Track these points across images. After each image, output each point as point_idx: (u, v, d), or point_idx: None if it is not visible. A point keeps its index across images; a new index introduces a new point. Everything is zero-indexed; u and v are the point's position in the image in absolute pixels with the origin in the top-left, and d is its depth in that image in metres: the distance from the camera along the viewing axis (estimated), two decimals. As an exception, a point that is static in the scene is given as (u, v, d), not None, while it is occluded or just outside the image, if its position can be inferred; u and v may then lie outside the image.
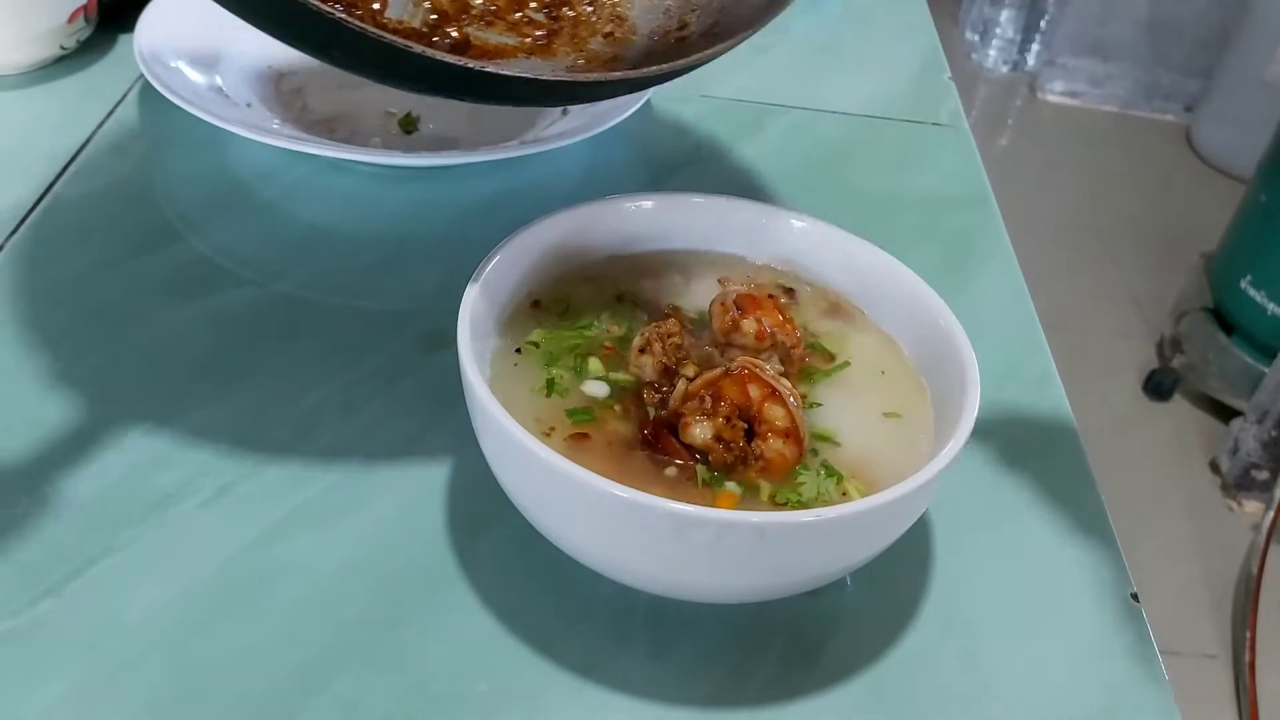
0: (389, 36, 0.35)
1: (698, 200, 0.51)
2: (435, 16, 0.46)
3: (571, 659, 0.41)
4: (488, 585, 0.43)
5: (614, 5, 0.49)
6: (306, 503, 0.45)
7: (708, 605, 0.43)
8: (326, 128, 0.67)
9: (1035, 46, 2.65)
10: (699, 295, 0.49)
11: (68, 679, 0.39)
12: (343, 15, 0.34)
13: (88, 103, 0.68)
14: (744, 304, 0.45)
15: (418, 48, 0.36)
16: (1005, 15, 2.64)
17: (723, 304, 0.46)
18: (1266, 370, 1.63)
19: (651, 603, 0.43)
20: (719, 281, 0.48)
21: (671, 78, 0.43)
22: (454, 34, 0.46)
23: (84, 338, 0.52)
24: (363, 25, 0.34)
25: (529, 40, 0.47)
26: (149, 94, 0.68)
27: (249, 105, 0.66)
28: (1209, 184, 2.36)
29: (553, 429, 0.41)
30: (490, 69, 0.38)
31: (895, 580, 0.45)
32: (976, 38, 2.71)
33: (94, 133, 0.65)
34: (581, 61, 0.47)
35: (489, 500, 0.44)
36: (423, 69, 0.37)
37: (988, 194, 0.70)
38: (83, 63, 0.71)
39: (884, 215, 0.66)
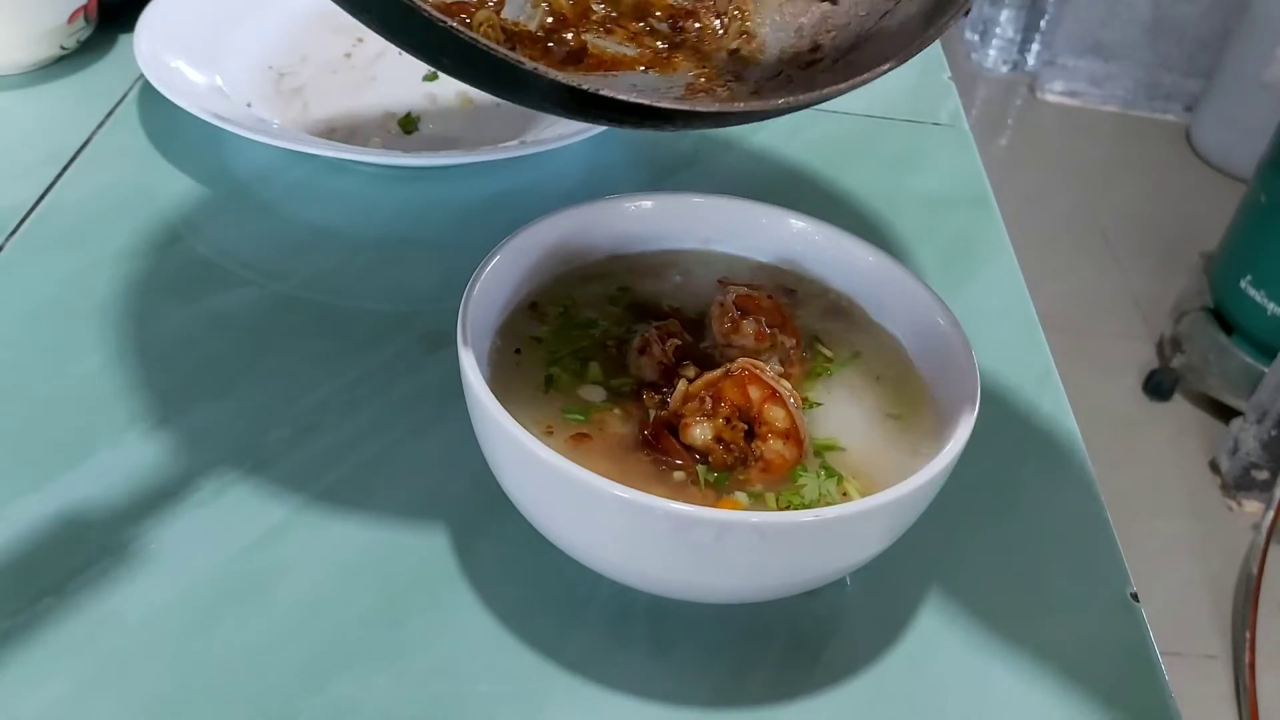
0: (500, 51, 0.34)
1: (698, 200, 0.51)
2: (552, 20, 0.44)
3: (571, 659, 0.41)
4: (488, 585, 0.43)
5: (743, 20, 0.46)
6: (306, 503, 0.45)
7: (708, 605, 0.43)
8: (326, 128, 0.67)
9: (1035, 46, 2.65)
10: (699, 295, 0.49)
11: (68, 679, 0.39)
12: (454, 25, 0.33)
13: (88, 103, 0.68)
14: (744, 305, 0.45)
15: (529, 64, 0.34)
16: (1005, 15, 2.64)
17: (723, 305, 0.46)
18: (1266, 370, 1.63)
19: (651, 603, 0.43)
20: (719, 282, 0.48)
21: (798, 109, 0.40)
22: (571, 40, 0.43)
23: (84, 338, 0.52)
24: (474, 36, 0.34)
25: (649, 52, 0.45)
26: (149, 94, 0.68)
27: (249, 105, 0.66)
28: (1209, 184, 2.36)
29: (554, 429, 0.41)
30: (605, 91, 0.36)
31: (895, 580, 0.45)
32: (976, 38, 2.71)
33: (94, 133, 0.65)
34: (703, 79, 0.44)
35: (489, 500, 0.44)
36: (529, 84, 0.36)
37: (988, 194, 0.70)
38: (83, 63, 0.71)
39: (884, 215, 0.66)
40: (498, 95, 0.40)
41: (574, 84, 0.35)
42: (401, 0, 0.33)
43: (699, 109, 0.39)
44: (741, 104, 0.42)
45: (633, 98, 0.36)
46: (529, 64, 0.35)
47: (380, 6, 0.35)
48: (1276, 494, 1.52)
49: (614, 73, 0.44)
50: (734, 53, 0.46)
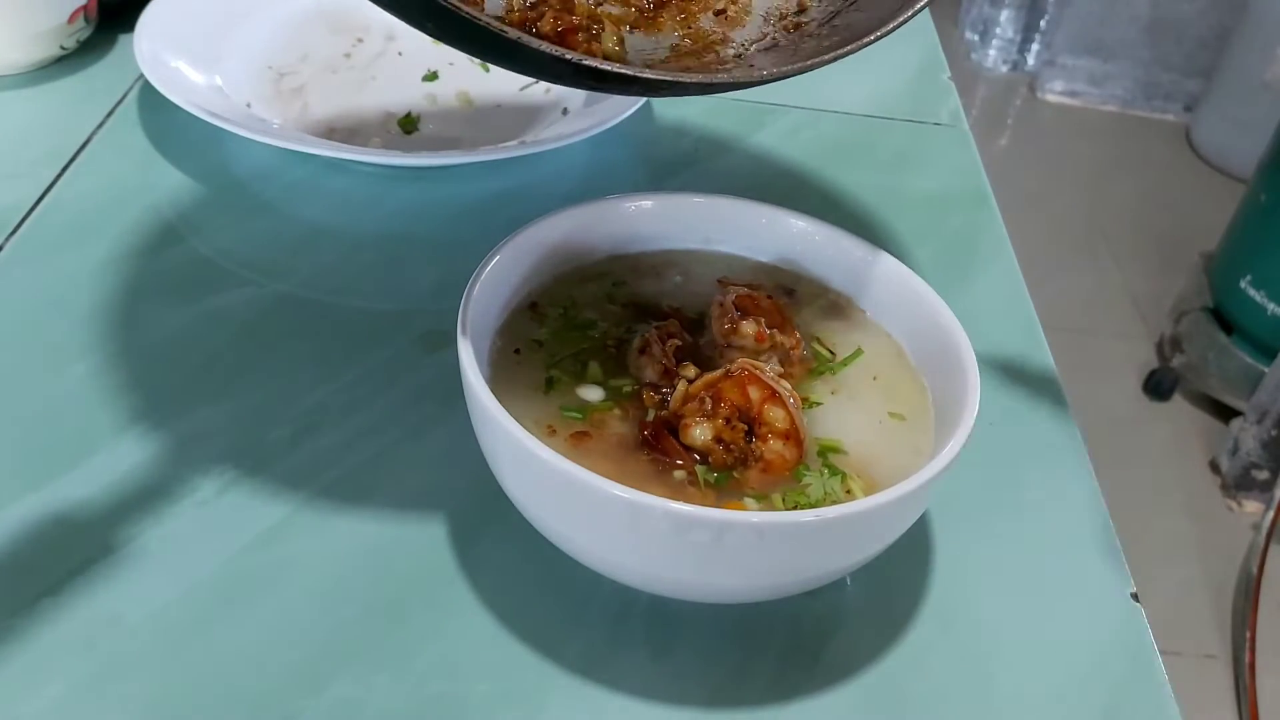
0: (483, 19, 0.35)
1: (698, 200, 0.51)
2: None
3: (571, 659, 0.41)
4: (488, 585, 0.43)
5: None
6: (306, 503, 0.45)
7: (708, 605, 0.43)
8: (326, 128, 0.67)
9: (1035, 46, 2.65)
10: (699, 295, 0.49)
11: (67, 679, 0.39)
12: None
13: (88, 103, 0.68)
14: (744, 305, 0.45)
15: (512, 32, 0.35)
16: (1005, 15, 2.64)
17: (722, 305, 0.46)
18: (1266, 370, 1.63)
19: (651, 603, 0.43)
20: (719, 282, 0.48)
21: (784, 78, 0.40)
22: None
23: (84, 338, 0.52)
24: (457, 5, 0.34)
25: (634, 12, 0.45)
26: (149, 94, 0.68)
27: (249, 105, 0.66)
28: (1209, 184, 2.36)
29: (554, 429, 0.41)
30: (589, 62, 0.36)
31: (895, 580, 0.45)
32: (976, 38, 2.71)
33: (94, 133, 0.65)
34: (688, 41, 0.44)
35: (489, 500, 0.44)
36: (515, 52, 0.36)
37: (988, 194, 0.70)
38: (83, 63, 0.71)
39: (884, 215, 0.66)
40: (486, 60, 0.40)
41: (558, 54, 0.36)
42: None
43: (683, 79, 0.40)
44: (725, 75, 0.42)
45: (617, 69, 0.37)
46: (512, 32, 0.35)
47: None
48: (1276, 494, 1.52)
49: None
50: (720, 13, 0.46)
